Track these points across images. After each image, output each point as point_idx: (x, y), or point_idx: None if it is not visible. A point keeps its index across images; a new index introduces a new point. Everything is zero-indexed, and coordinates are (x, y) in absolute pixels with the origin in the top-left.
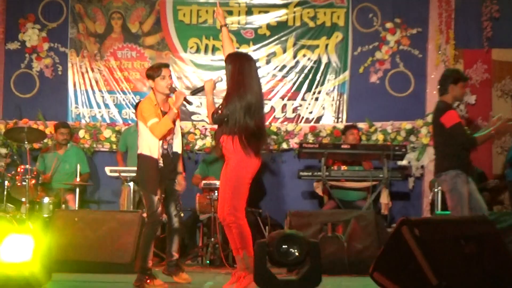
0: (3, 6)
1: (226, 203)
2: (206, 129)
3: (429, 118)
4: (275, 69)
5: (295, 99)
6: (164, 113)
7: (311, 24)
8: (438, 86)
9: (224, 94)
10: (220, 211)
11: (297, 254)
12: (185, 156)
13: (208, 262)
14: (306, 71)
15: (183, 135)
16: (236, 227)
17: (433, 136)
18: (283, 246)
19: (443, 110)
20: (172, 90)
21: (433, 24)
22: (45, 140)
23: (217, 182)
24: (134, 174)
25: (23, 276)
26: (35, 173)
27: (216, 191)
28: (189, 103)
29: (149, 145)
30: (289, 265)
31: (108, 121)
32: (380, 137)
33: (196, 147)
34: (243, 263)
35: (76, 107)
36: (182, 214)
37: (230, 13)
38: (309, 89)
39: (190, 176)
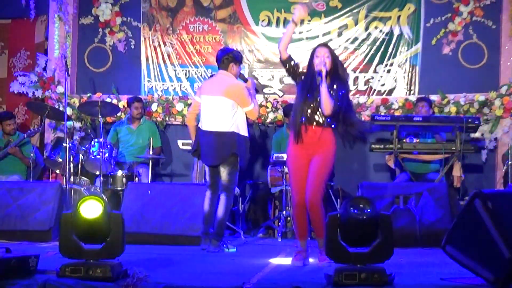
0: None
1: (316, 188)
2: (277, 102)
3: (503, 90)
4: (346, 41)
5: (367, 72)
6: None
7: None
8: None
9: None
10: (309, 195)
11: (368, 214)
12: (256, 129)
13: (279, 234)
14: (378, 43)
15: None
16: (321, 211)
17: None
18: (354, 209)
19: None
20: (243, 78)
21: None
22: (119, 114)
23: None
24: None
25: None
26: (108, 146)
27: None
28: (257, 91)
29: (244, 125)
30: (361, 232)
31: (180, 95)
32: (452, 109)
33: (268, 120)
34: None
35: (149, 81)
36: None
37: None
38: (381, 61)
39: (262, 150)
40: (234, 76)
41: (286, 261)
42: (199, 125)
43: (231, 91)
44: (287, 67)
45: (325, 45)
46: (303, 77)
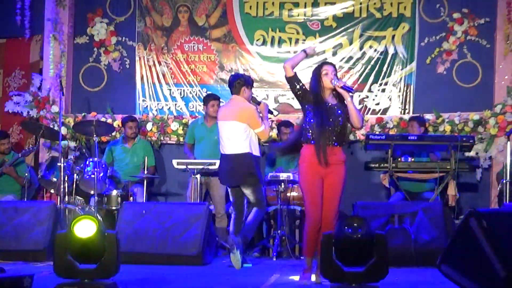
0: (72, 1)
1: (335, 209)
2: (272, 121)
3: (497, 109)
4: (341, 60)
5: (361, 91)
6: None
7: (378, 15)
8: None
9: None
10: (329, 215)
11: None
12: None
13: (274, 254)
14: (372, 62)
15: None
16: None
17: None
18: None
19: None
20: (255, 101)
21: (501, 14)
22: (113, 133)
23: (284, 174)
24: (201, 167)
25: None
26: (103, 166)
27: (282, 183)
28: (272, 113)
29: (256, 146)
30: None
31: (175, 114)
32: (447, 128)
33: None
34: None
35: (144, 100)
36: None
37: (296, 5)
38: (375, 81)
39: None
40: (247, 99)
41: (281, 280)
42: (220, 151)
43: (243, 115)
44: (294, 85)
45: (330, 63)
46: (311, 97)
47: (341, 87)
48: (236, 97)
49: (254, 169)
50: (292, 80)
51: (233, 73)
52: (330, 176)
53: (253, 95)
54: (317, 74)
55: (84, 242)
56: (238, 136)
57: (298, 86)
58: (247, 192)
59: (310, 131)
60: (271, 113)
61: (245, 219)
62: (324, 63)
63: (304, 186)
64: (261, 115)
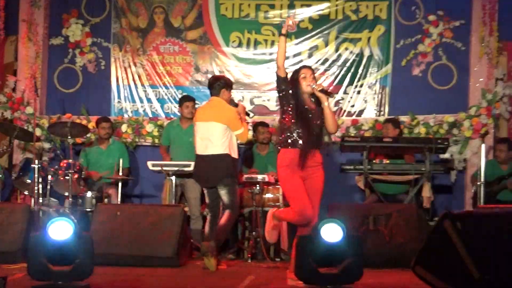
0: (47, 2)
1: (316, 208)
2: (248, 123)
3: (472, 111)
4: (317, 62)
5: (337, 93)
6: None
7: (353, 17)
8: None
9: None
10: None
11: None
12: None
13: (249, 256)
14: (348, 64)
15: None
16: None
17: None
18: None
19: None
20: (234, 103)
21: (477, 16)
22: (88, 135)
23: (260, 176)
24: (176, 169)
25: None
26: (78, 167)
27: (257, 185)
28: (248, 115)
29: (234, 148)
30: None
31: (150, 116)
32: (422, 130)
33: (238, 141)
34: None
35: (119, 102)
36: None
37: (272, 6)
38: (351, 83)
39: None
40: (226, 101)
41: (256, 282)
42: (196, 151)
43: (223, 116)
44: (281, 85)
45: (308, 67)
46: (292, 100)
47: (320, 91)
48: (215, 98)
49: (232, 170)
50: (281, 80)
51: (209, 75)
52: (310, 178)
53: (231, 98)
54: (295, 78)
55: (59, 244)
56: (217, 137)
57: (283, 87)
58: (222, 192)
59: (292, 135)
60: (248, 115)
61: (218, 222)
62: (303, 66)
63: (290, 189)
64: (240, 116)
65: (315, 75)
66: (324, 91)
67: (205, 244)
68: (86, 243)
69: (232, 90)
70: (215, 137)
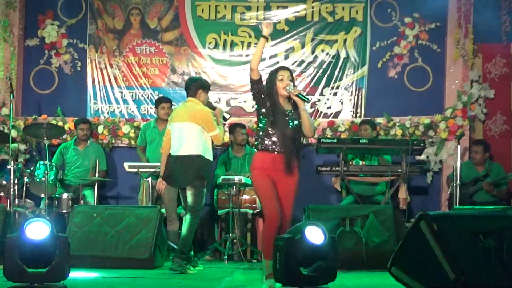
0: (23, 3)
1: (292, 211)
2: (224, 124)
3: (448, 113)
4: (293, 64)
5: (313, 94)
6: None
7: (330, 19)
8: None
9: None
10: (288, 218)
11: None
12: None
13: (226, 257)
14: (324, 66)
15: None
16: None
17: None
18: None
19: None
20: (211, 106)
21: (452, 19)
22: (64, 136)
23: (236, 177)
24: (152, 170)
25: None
26: (54, 169)
27: (234, 186)
28: (225, 119)
29: (209, 150)
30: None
31: (127, 117)
32: (398, 132)
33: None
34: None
35: (95, 103)
36: None
37: (248, 8)
38: (327, 84)
39: None
40: (202, 103)
41: (232, 283)
42: (170, 152)
43: (198, 117)
44: (255, 88)
45: (286, 68)
46: (267, 102)
47: (296, 95)
48: (192, 99)
49: (203, 172)
50: (255, 83)
51: (185, 76)
52: (283, 181)
53: (208, 100)
54: (272, 80)
55: (35, 245)
56: (191, 138)
57: (257, 89)
58: (189, 193)
59: (266, 138)
60: (224, 119)
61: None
62: (281, 68)
63: (260, 191)
64: (216, 119)
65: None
66: (300, 96)
67: (176, 262)
68: (62, 245)
69: (209, 92)
70: (189, 138)
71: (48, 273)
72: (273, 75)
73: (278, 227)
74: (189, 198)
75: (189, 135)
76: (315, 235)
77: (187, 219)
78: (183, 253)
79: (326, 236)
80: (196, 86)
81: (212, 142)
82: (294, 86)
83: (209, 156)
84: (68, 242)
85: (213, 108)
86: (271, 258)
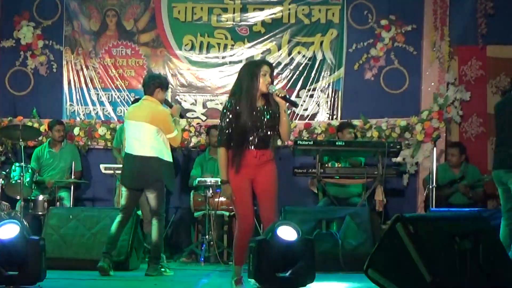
0: None
1: (272, 208)
2: (201, 126)
3: (424, 115)
4: None
5: (290, 96)
6: None
7: (306, 21)
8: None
9: None
10: (273, 217)
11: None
12: (179, 153)
13: (202, 259)
14: (300, 68)
15: None
16: None
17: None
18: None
19: None
20: (168, 104)
21: (428, 21)
22: (40, 138)
23: (212, 179)
24: None
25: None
26: (29, 170)
27: (210, 188)
28: (182, 116)
29: (167, 151)
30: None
31: (103, 119)
32: (375, 134)
33: (191, 144)
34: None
35: (71, 105)
36: None
37: (225, 10)
38: (303, 86)
39: (185, 174)
40: (160, 101)
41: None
42: (126, 150)
43: (156, 118)
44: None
45: (269, 63)
46: (237, 106)
47: (283, 98)
48: (148, 97)
49: (161, 174)
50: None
51: None
52: (259, 176)
53: (165, 98)
54: (253, 73)
55: (5, 246)
56: (147, 139)
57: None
58: (151, 197)
59: (240, 135)
60: (182, 116)
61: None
62: (264, 62)
63: (234, 192)
64: (174, 118)
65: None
66: (286, 98)
67: (152, 267)
68: (34, 247)
69: (184, 94)
70: (145, 139)
71: (21, 275)
72: (254, 68)
73: (250, 235)
74: (151, 202)
75: (146, 136)
76: (287, 233)
77: (153, 224)
78: (156, 258)
79: (299, 234)
80: (154, 84)
81: None
82: (273, 84)
83: (168, 157)
84: (41, 244)
85: (170, 106)
86: (240, 264)
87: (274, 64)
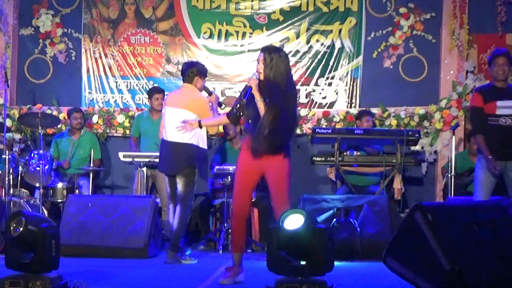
0: None
1: (284, 196)
2: (219, 114)
3: (443, 103)
4: (288, 54)
5: (308, 85)
6: None
7: (325, 9)
8: None
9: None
10: (284, 207)
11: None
12: None
13: (220, 247)
14: (319, 56)
15: None
16: None
17: None
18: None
19: None
20: (208, 91)
21: (447, 9)
22: (59, 126)
23: (231, 168)
24: (147, 160)
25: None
26: (48, 158)
27: (229, 177)
28: (220, 106)
29: (204, 139)
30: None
31: (121, 107)
32: (393, 122)
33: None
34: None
35: (90, 93)
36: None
37: None
38: (322, 75)
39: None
40: (199, 89)
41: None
42: (162, 136)
43: (194, 105)
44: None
45: (264, 49)
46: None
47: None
48: (187, 85)
49: (194, 161)
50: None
51: (180, 66)
52: (269, 168)
53: (205, 85)
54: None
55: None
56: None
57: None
58: (179, 181)
59: (248, 122)
60: (220, 105)
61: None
62: (261, 48)
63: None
64: (211, 105)
65: (272, 59)
66: (209, 91)
67: (170, 255)
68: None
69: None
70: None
71: (33, 263)
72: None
73: (241, 219)
74: (179, 186)
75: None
76: (293, 221)
77: (177, 211)
78: (176, 246)
79: (306, 220)
80: (193, 72)
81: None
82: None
83: (203, 144)
84: (50, 233)
85: (210, 94)
86: (236, 251)
87: (292, 53)
